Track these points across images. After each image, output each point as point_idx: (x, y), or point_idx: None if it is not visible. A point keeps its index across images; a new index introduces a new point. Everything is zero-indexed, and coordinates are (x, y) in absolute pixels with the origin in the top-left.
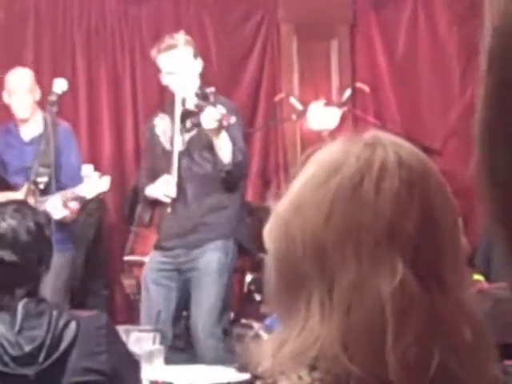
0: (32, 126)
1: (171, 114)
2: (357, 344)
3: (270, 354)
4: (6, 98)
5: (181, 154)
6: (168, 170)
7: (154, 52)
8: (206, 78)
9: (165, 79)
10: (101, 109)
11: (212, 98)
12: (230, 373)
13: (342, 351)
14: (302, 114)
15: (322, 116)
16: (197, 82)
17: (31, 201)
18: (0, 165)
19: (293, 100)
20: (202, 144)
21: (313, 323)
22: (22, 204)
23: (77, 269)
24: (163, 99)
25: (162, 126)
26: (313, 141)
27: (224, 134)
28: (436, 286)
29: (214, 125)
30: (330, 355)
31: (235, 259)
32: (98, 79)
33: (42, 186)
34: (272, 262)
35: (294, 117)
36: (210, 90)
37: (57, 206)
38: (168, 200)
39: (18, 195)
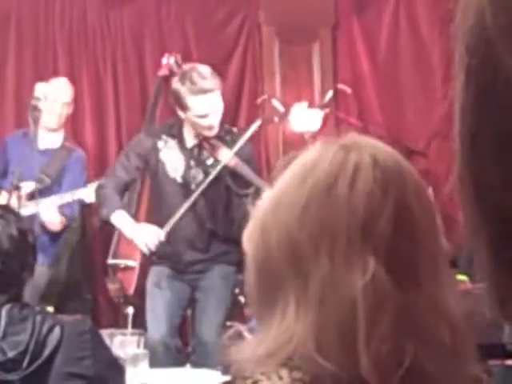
0: (50, 138)
1: (181, 142)
2: (330, 341)
3: (248, 354)
4: (37, 104)
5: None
6: (176, 207)
7: (178, 86)
8: None
9: (195, 119)
10: (83, 111)
11: (229, 138)
12: (215, 375)
13: (316, 349)
14: (284, 116)
15: (305, 118)
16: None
17: (14, 205)
18: (4, 168)
19: (275, 102)
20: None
21: (288, 322)
22: (4, 209)
23: (60, 272)
24: (145, 101)
25: (170, 153)
26: (295, 143)
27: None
28: (410, 283)
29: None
30: (304, 353)
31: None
32: (79, 82)
33: (22, 192)
34: (250, 264)
35: (276, 119)
36: (231, 129)
37: (50, 208)
38: (146, 251)
39: (1, 199)
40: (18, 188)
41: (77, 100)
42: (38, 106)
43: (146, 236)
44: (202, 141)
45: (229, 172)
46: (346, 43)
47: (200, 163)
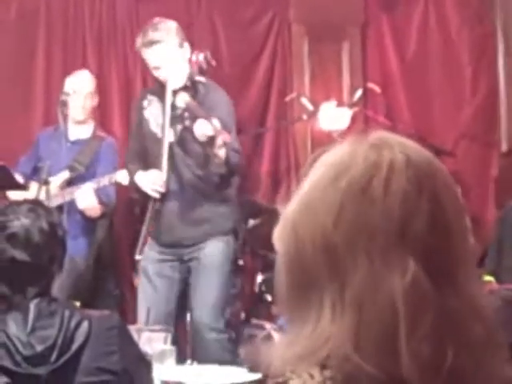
0: (80, 130)
1: (161, 99)
2: (369, 342)
3: (280, 353)
4: (67, 97)
5: (173, 145)
6: (159, 160)
7: (137, 44)
8: (216, 79)
9: (153, 72)
10: (112, 108)
11: (202, 90)
12: (242, 373)
13: (354, 350)
14: (312, 115)
15: (333, 116)
16: (186, 71)
17: (44, 199)
18: (34, 160)
19: (304, 100)
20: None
21: (324, 323)
22: (36, 203)
23: (88, 268)
24: None
25: (152, 110)
26: (323, 141)
27: (217, 143)
28: (447, 284)
29: (205, 138)
30: (341, 354)
31: (236, 253)
32: (109, 78)
33: (60, 180)
34: (282, 263)
35: (304, 117)
36: (200, 79)
37: (87, 194)
38: (157, 195)
39: (28, 194)
40: (46, 182)
41: (106, 95)
42: (67, 100)
43: (150, 181)
44: (174, 94)
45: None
46: (375, 42)
47: (174, 117)
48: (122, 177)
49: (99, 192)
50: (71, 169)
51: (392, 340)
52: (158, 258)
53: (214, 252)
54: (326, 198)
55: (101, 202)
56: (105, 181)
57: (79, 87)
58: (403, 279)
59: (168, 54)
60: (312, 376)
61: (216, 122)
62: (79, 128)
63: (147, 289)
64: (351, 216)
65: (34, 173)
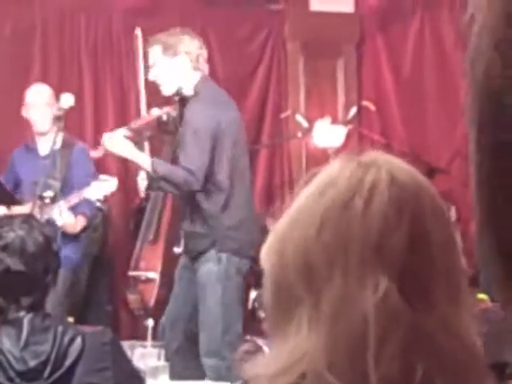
0: (49, 142)
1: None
2: (341, 360)
3: (261, 369)
4: (25, 113)
5: None
6: None
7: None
8: None
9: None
10: (107, 123)
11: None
12: None
13: (327, 368)
14: (307, 132)
15: (328, 133)
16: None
17: (37, 215)
18: (12, 179)
19: (299, 117)
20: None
21: (301, 338)
22: (29, 217)
23: (81, 283)
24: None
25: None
26: (318, 158)
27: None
28: (423, 303)
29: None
30: (315, 372)
31: (232, 268)
32: (104, 94)
33: (47, 200)
34: (268, 279)
35: (299, 134)
36: (189, 95)
37: (62, 212)
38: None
39: (24, 209)
40: (41, 198)
41: (101, 112)
42: (28, 115)
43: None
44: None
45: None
46: (370, 60)
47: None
48: (90, 192)
49: (78, 205)
50: (48, 187)
51: (361, 358)
52: (184, 260)
53: (204, 274)
54: (310, 214)
55: (83, 214)
56: (75, 199)
57: (34, 100)
58: (374, 296)
59: (154, 57)
60: None
61: None
62: (47, 140)
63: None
64: (331, 231)
65: (15, 190)
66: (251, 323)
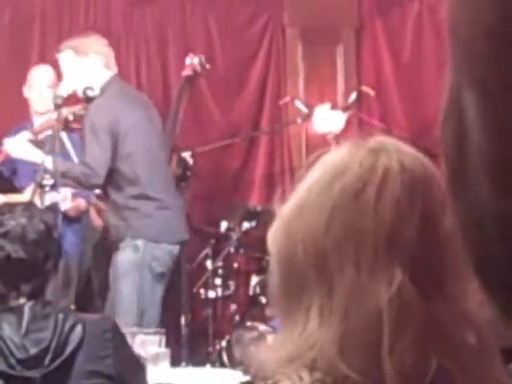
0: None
1: None
2: (354, 349)
3: (270, 355)
4: (26, 93)
5: None
6: None
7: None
8: (211, 82)
9: None
10: None
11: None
12: (236, 375)
13: (339, 356)
14: (307, 118)
15: (328, 119)
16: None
17: (37, 202)
18: (10, 164)
19: (298, 103)
20: None
21: (312, 327)
22: (30, 205)
23: (82, 269)
24: (168, 101)
25: None
26: (318, 144)
27: None
28: (436, 293)
29: None
30: (326, 360)
31: (147, 256)
32: None
33: (47, 188)
34: (274, 265)
35: (299, 120)
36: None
37: (67, 196)
38: None
39: (24, 197)
40: (41, 186)
41: None
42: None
43: None
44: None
45: None
46: (369, 45)
47: None
48: None
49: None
50: (44, 176)
51: (376, 349)
52: None
53: (121, 260)
54: (320, 202)
55: (84, 197)
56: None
57: (38, 79)
58: (389, 289)
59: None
60: (301, 378)
61: None
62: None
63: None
64: (342, 222)
65: (12, 177)
66: (253, 309)
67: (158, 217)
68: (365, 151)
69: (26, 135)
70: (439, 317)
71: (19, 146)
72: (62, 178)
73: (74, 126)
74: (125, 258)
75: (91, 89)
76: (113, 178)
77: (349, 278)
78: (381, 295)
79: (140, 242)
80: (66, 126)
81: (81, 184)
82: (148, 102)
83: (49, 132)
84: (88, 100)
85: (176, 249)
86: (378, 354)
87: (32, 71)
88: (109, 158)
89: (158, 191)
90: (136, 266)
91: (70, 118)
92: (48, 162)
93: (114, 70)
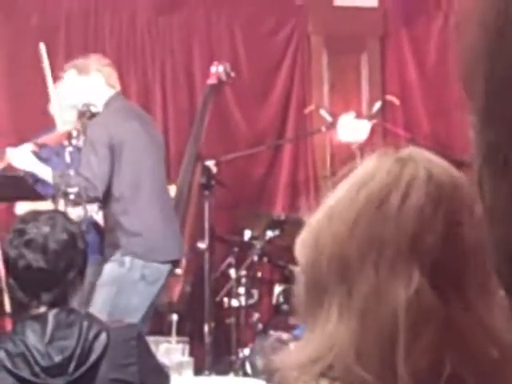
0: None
1: None
2: (370, 352)
3: (289, 361)
4: (51, 109)
5: None
6: None
7: None
8: (236, 90)
9: None
10: None
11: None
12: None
13: (356, 360)
14: (331, 126)
15: (352, 128)
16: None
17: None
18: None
19: (323, 112)
20: None
21: (330, 329)
22: (55, 213)
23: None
24: (193, 109)
25: None
26: (342, 153)
27: None
28: (456, 300)
29: None
30: (343, 363)
31: (136, 273)
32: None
33: (72, 196)
34: (301, 271)
35: (323, 129)
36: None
37: (95, 209)
38: None
39: (47, 205)
40: (66, 194)
41: None
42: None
43: None
44: None
45: None
46: (394, 54)
47: None
48: None
49: None
50: (68, 185)
51: (391, 351)
52: None
53: (105, 271)
54: (346, 209)
55: None
56: None
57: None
58: (407, 290)
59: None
60: None
61: None
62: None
63: None
64: (365, 229)
65: (36, 184)
66: (276, 318)
67: (146, 235)
68: (393, 160)
69: (29, 147)
70: (458, 323)
71: (22, 157)
72: (63, 194)
73: (75, 142)
74: (107, 269)
75: (94, 105)
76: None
77: (368, 281)
78: (398, 296)
79: (127, 258)
80: (69, 141)
81: (79, 196)
82: (148, 118)
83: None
84: (91, 117)
85: (167, 268)
86: (393, 356)
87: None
88: (107, 171)
89: (143, 208)
90: (116, 280)
91: (74, 133)
92: (48, 174)
93: (117, 87)
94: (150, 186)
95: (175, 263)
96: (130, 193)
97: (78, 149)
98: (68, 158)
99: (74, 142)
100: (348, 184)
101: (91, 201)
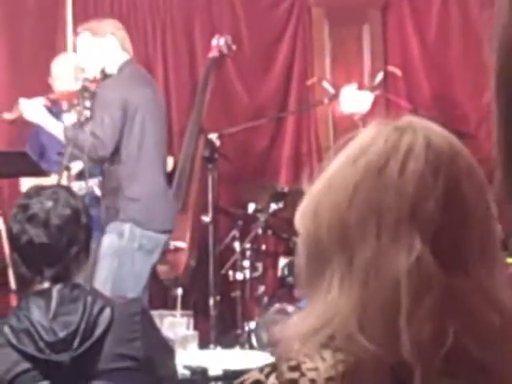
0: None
1: None
2: (373, 321)
3: (292, 332)
4: (51, 82)
5: None
6: None
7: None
8: (237, 63)
9: None
10: None
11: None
12: (265, 357)
13: (359, 328)
14: (334, 98)
15: (355, 99)
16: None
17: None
18: (37, 148)
19: (325, 84)
20: None
21: (332, 298)
22: (60, 188)
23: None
24: (195, 82)
25: None
26: (345, 124)
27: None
28: (457, 267)
29: None
30: (345, 333)
31: (134, 244)
32: None
33: (74, 171)
34: (301, 243)
35: (326, 100)
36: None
37: (96, 181)
38: None
39: (51, 180)
40: (68, 168)
41: None
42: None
43: None
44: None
45: None
46: (395, 25)
47: None
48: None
49: None
50: (71, 159)
51: (393, 319)
52: None
53: (104, 244)
54: (345, 178)
55: None
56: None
57: (62, 70)
58: (408, 259)
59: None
60: (324, 359)
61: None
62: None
63: None
64: (365, 195)
65: (40, 159)
66: (281, 291)
67: (145, 202)
68: (391, 129)
69: (41, 100)
70: (459, 290)
71: (34, 109)
72: (72, 147)
73: (86, 102)
74: (107, 241)
75: (109, 67)
76: (112, 156)
77: (369, 248)
78: (400, 264)
79: (126, 227)
80: (79, 100)
81: (88, 155)
82: (156, 86)
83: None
84: (105, 77)
85: (164, 237)
86: (396, 324)
87: (53, 64)
88: (117, 132)
89: (146, 174)
90: (116, 252)
91: (84, 93)
92: (58, 128)
93: (130, 53)
94: (154, 154)
95: (169, 233)
96: (135, 157)
97: (85, 108)
98: (80, 117)
99: (84, 101)
100: (346, 153)
101: (98, 160)
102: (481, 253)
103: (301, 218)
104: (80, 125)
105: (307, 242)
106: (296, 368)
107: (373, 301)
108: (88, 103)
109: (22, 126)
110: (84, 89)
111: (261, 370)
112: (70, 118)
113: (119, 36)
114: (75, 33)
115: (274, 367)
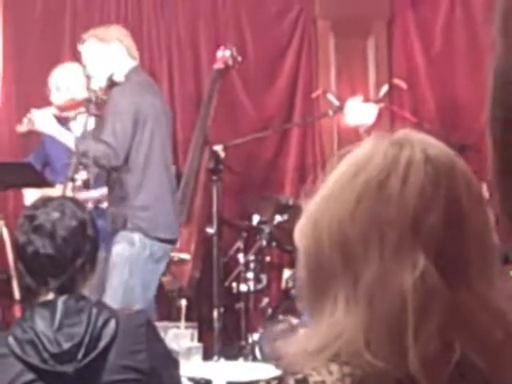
0: (81, 123)
1: None
2: (379, 338)
3: (298, 348)
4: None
5: None
6: None
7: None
8: (242, 74)
9: None
10: None
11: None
12: (269, 369)
13: (365, 345)
14: (338, 110)
15: (359, 112)
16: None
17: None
18: (42, 158)
19: (330, 96)
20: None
21: (338, 317)
22: (67, 200)
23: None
24: (200, 94)
25: None
26: (350, 137)
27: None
28: (460, 281)
29: None
30: (353, 350)
31: (146, 252)
32: None
33: (79, 182)
34: (302, 259)
35: (330, 113)
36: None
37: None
38: None
39: (56, 191)
40: (73, 180)
41: None
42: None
43: None
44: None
45: None
46: (401, 37)
47: None
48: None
49: None
50: (76, 171)
51: (400, 336)
52: None
53: (115, 253)
54: (345, 194)
55: None
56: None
57: (68, 80)
58: (412, 275)
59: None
60: (331, 372)
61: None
62: (79, 120)
63: None
64: (366, 211)
65: (44, 170)
66: (285, 303)
67: (152, 211)
68: (389, 143)
69: (52, 110)
70: (463, 305)
71: (45, 119)
72: (83, 158)
73: (93, 110)
74: (119, 250)
75: (116, 75)
76: (122, 164)
77: (373, 266)
78: (405, 281)
79: (136, 236)
80: (87, 108)
81: (100, 164)
82: (159, 91)
83: (74, 112)
84: (112, 85)
85: (169, 247)
86: (403, 341)
87: (59, 70)
88: (128, 141)
89: (153, 183)
90: (128, 260)
91: (93, 99)
92: (70, 138)
93: (137, 59)
94: (161, 163)
95: (175, 243)
96: (142, 167)
97: (93, 115)
98: (87, 125)
99: (91, 109)
100: (344, 169)
101: (110, 169)
102: (481, 265)
103: (299, 233)
104: (89, 134)
105: (308, 257)
106: (303, 381)
107: (379, 319)
108: (95, 111)
109: (26, 137)
110: (92, 97)
111: (267, 382)
112: (76, 126)
113: (126, 42)
114: (80, 40)
115: (280, 380)
